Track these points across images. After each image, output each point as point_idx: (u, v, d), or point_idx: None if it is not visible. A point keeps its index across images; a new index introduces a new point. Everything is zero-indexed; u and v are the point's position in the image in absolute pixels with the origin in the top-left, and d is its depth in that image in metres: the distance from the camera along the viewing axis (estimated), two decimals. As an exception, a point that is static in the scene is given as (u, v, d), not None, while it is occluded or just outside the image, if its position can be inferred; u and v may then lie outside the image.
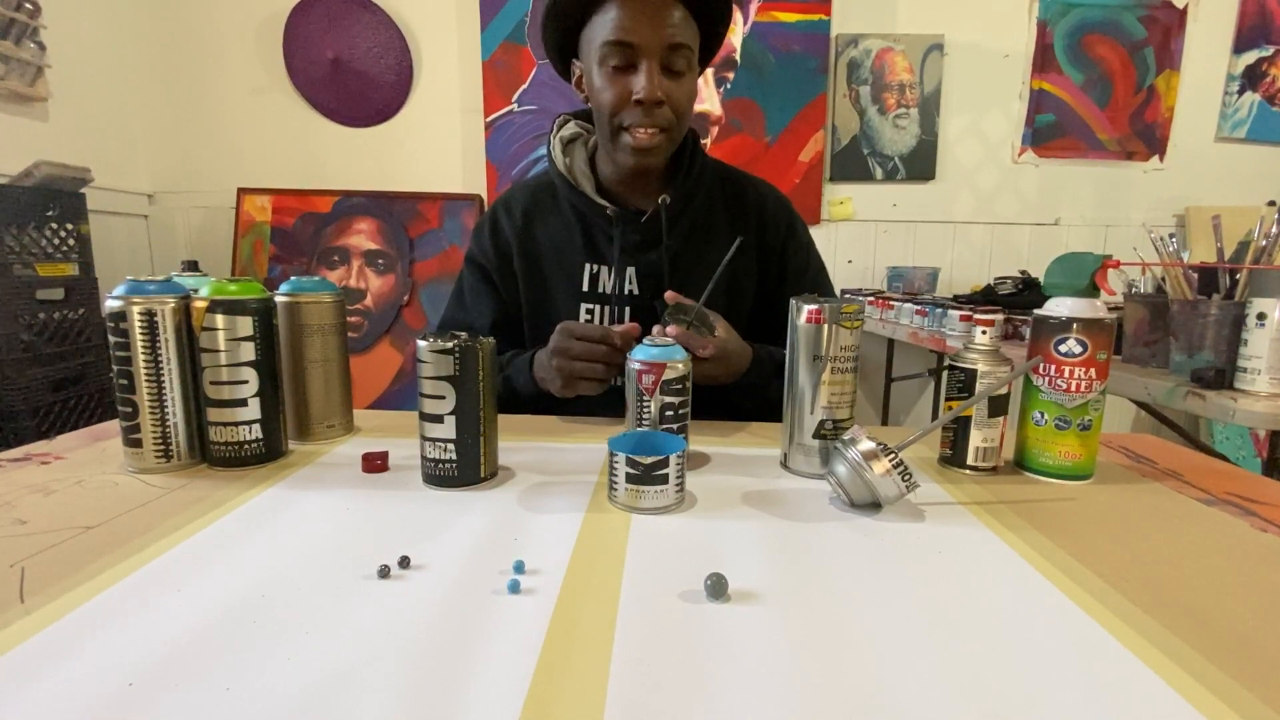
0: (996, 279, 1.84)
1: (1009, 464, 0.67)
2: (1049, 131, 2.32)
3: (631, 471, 0.53)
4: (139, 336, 0.59)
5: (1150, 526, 0.53)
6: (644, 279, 0.90)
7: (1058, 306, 0.62)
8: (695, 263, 0.91)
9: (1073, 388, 0.61)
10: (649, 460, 0.53)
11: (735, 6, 2.21)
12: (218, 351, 0.61)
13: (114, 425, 0.70)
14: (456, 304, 0.99)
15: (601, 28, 0.79)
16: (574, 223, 0.93)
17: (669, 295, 0.77)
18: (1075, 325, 0.60)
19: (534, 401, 0.85)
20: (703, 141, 0.98)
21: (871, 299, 2.06)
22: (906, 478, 0.53)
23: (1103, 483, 0.63)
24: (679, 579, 0.43)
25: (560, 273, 0.92)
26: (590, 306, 0.91)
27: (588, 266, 0.92)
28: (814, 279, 0.97)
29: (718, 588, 0.41)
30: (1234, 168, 2.34)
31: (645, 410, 0.61)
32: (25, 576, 0.42)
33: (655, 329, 0.72)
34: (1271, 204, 2.23)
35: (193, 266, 0.78)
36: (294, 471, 0.63)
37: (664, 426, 0.60)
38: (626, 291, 0.91)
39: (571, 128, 0.95)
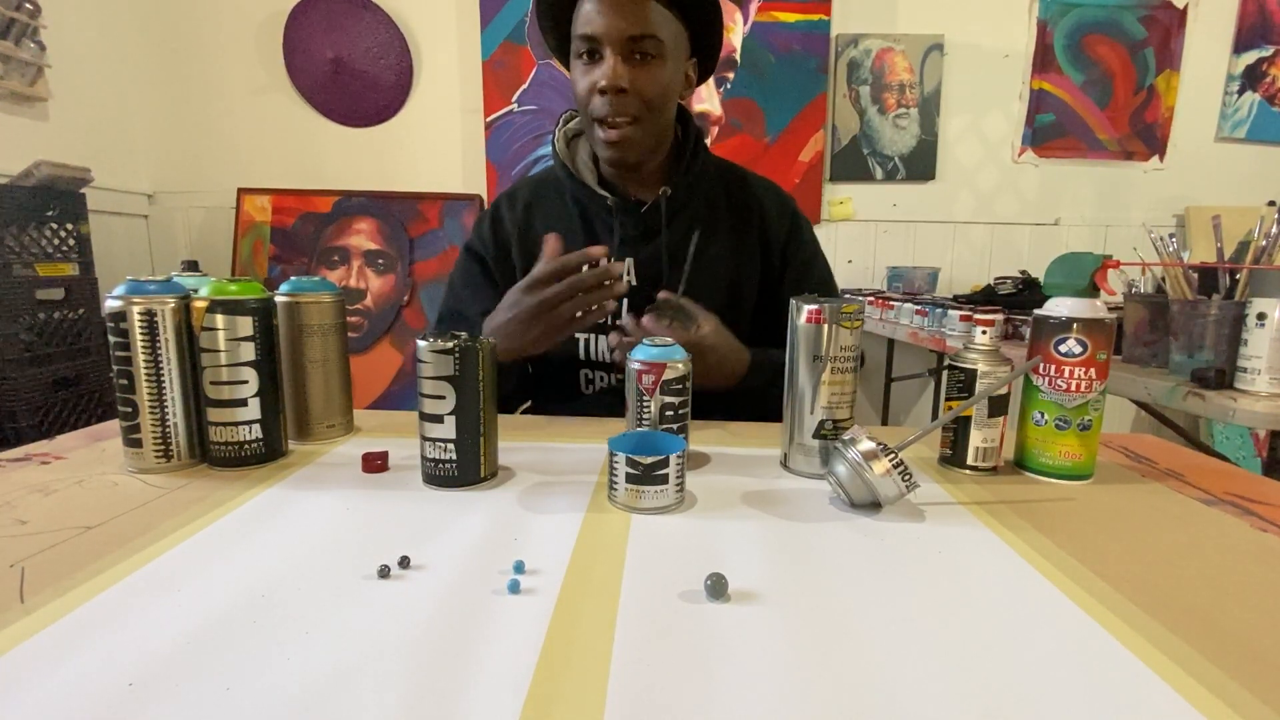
0: (996, 279, 1.84)
1: (1009, 464, 0.67)
2: (1049, 131, 2.32)
3: (631, 471, 0.53)
4: (139, 336, 0.59)
5: (1150, 526, 0.53)
6: (643, 270, 0.91)
7: (1058, 306, 0.62)
8: (695, 257, 0.91)
9: (1073, 388, 0.61)
10: (649, 460, 0.53)
11: (734, 5, 2.21)
12: (218, 351, 0.61)
13: (114, 425, 0.70)
14: (450, 293, 1.00)
15: (575, 23, 0.82)
16: (575, 214, 0.93)
17: (661, 294, 0.78)
18: (1075, 325, 0.60)
19: (518, 378, 0.84)
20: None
21: (871, 299, 2.06)
22: (906, 478, 0.52)
23: (1103, 483, 0.63)
24: (679, 579, 0.43)
25: None
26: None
27: None
28: (818, 279, 0.97)
29: (718, 588, 0.41)
30: (1234, 168, 2.34)
31: (645, 410, 0.61)
32: (25, 576, 0.42)
33: (626, 320, 0.73)
34: (1271, 204, 2.23)
35: (193, 266, 0.78)
36: (294, 471, 0.63)
37: (664, 426, 0.60)
38: (625, 282, 0.91)
39: (576, 122, 0.96)
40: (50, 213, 1.67)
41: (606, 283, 0.72)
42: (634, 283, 0.91)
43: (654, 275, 0.90)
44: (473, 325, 0.87)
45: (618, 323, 0.63)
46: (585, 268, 0.72)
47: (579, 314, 0.73)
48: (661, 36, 0.81)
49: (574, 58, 0.84)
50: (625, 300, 0.91)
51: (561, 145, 0.94)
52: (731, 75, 2.26)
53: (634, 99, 0.82)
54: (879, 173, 2.33)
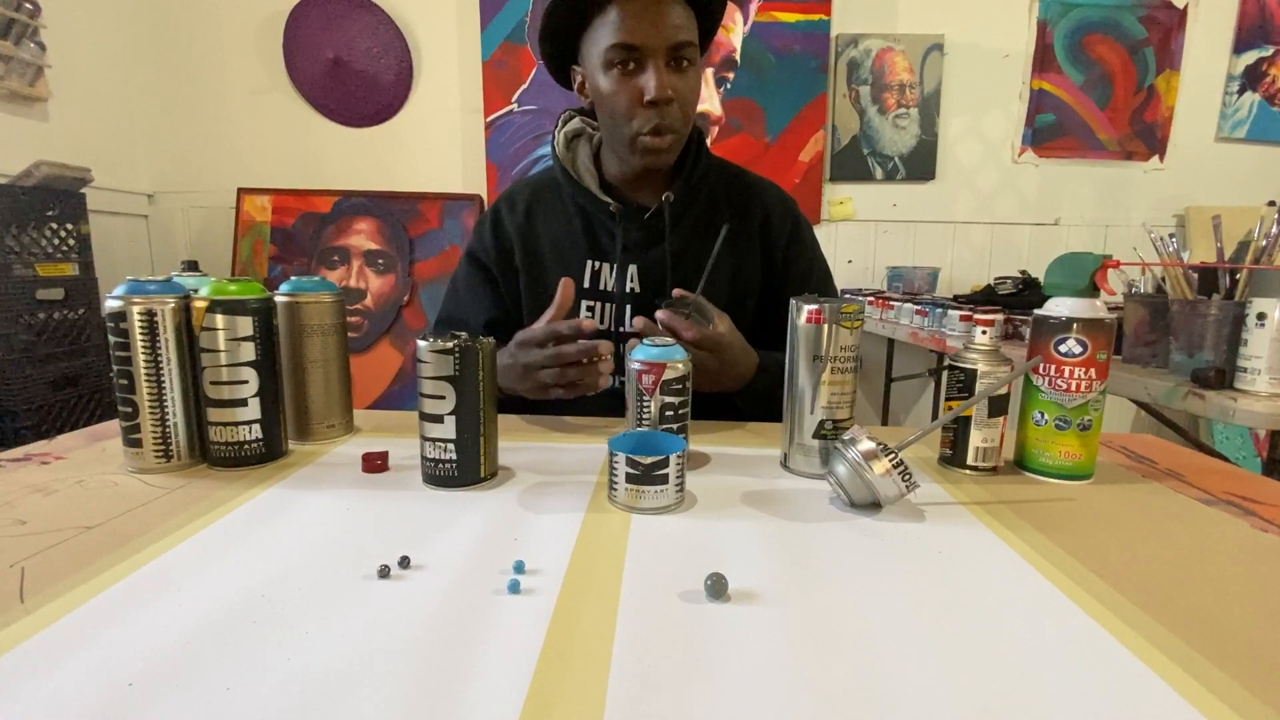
0: (996, 279, 1.85)
1: (1009, 464, 0.67)
2: (1049, 131, 2.32)
3: (631, 471, 0.53)
4: (139, 336, 0.59)
5: (1150, 526, 0.53)
6: (646, 277, 0.90)
7: (1058, 306, 0.62)
8: (698, 261, 0.91)
9: (1073, 388, 0.61)
10: (649, 460, 0.53)
11: (734, 5, 2.21)
12: (218, 351, 0.61)
13: (114, 425, 0.70)
14: (452, 299, 0.99)
15: (603, 31, 0.79)
16: (576, 219, 0.92)
17: (676, 292, 0.77)
18: (1075, 325, 0.60)
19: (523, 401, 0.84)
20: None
21: (871, 299, 2.06)
22: (906, 478, 0.52)
23: (1103, 483, 0.63)
24: (679, 579, 0.43)
25: (561, 269, 0.92)
26: (591, 304, 0.91)
27: (589, 263, 0.91)
28: (818, 281, 0.96)
29: (718, 588, 0.41)
30: (1234, 168, 2.34)
31: (645, 410, 0.61)
32: (25, 576, 0.42)
33: (637, 321, 0.73)
34: (1271, 204, 2.23)
35: (193, 266, 0.79)
36: (294, 471, 0.63)
37: (664, 426, 0.60)
38: (628, 289, 0.91)
39: (576, 123, 0.95)
40: (50, 213, 1.67)
41: (590, 360, 0.72)
42: (637, 290, 0.91)
43: (657, 281, 0.90)
44: (472, 334, 0.86)
45: (635, 321, 0.62)
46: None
47: (560, 384, 0.73)
48: (695, 41, 0.81)
49: (603, 68, 0.81)
50: (629, 307, 0.91)
51: (562, 148, 0.93)
52: (731, 75, 2.26)
53: (678, 108, 0.81)
54: (879, 173, 2.33)
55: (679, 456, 0.54)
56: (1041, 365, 0.62)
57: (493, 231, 0.96)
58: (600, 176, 0.93)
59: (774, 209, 0.95)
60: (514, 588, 0.41)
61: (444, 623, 0.38)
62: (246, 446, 0.63)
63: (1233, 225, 1.07)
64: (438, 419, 0.58)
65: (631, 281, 0.90)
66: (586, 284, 0.91)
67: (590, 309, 0.91)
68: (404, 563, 0.44)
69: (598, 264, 0.91)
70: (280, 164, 2.33)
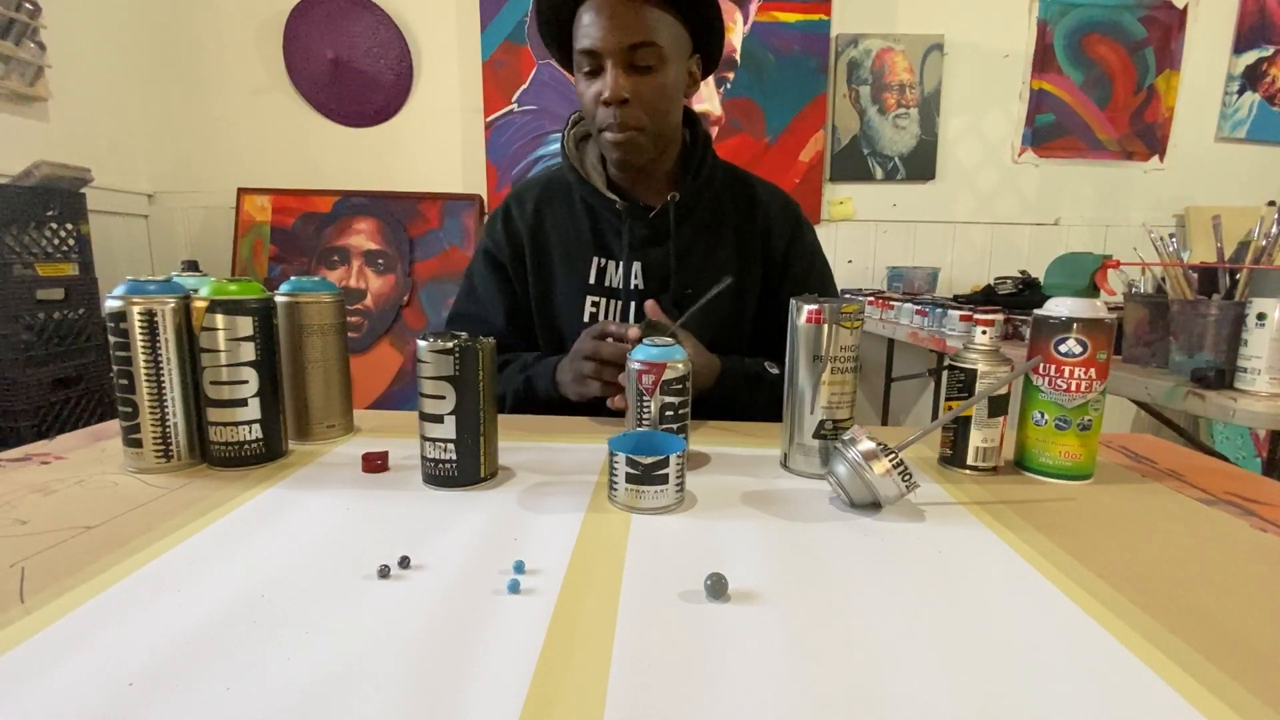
0: (996, 279, 1.85)
1: (1009, 464, 0.67)
2: (1049, 131, 2.32)
3: (631, 471, 0.53)
4: (139, 336, 0.59)
5: (1150, 526, 0.53)
6: (650, 274, 0.91)
7: (1058, 306, 0.62)
8: (702, 260, 0.92)
9: (1073, 388, 0.61)
10: (649, 460, 0.53)
11: (734, 5, 2.21)
12: (218, 351, 0.61)
13: (114, 425, 0.70)
14: (468, 298, 0.99)
15: (575, 37, 0.83)
16: (583, 216, 0.94)
17: (649, 307, 0.80)
18: (1075, 325, 0.60)
19: (550, 404, 0.86)
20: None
21: (871, 299, 2.06)
22: (906, 478, 0.52)
23: (1103, 483, 0.63)
24: (679, 579, 0.43)
25: (567, 265, 0.93)
26: (596, 299, 0.92)
27: (595, 260, 0.93)
28: (817, 283, 0.97)
29: (718, 588, 0.41)
30: (1234, 168, 2.34)
31: (645, 410, 0.61)
32: (25, 576, 0.42)
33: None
34: (1271, 204, 2.23)
35: (193, 266, 0.78)
36: (294, 471, 0.63)
37: (664, 426, 0.60)
38: (633, 286, 0.92)
39: (584, 124, 0.96)
40: (50, 213, 1.67)
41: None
42: (641, 287, 0.91)
43: (662, 278, 0.91)
44: (494, 330, 0.88)
45: (646, 340, 0.67)
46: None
47: (596, 378, 0.77)
48: (660, 42, 0.81)
49: (576, 70, 0.84)
50: (633, 303, 0.92)
51: (571, 147, 0.94)
52: (731, 75, 2.26)
53: (637, 108, 0.82)
54: (879, 173, 2.33)
55: (679, 456, 0.54)
56: (1041, 365, 0.62)
57: (504, 228, 0.97)
58: (607, 176, 0.94)
59: (776, 213, 0.96)
60: (514, 588, 0.41)
61: (444, 623, 0.38)
62: (246, 446, 0.63)
63: (1233, 225, 1.07)
64: (438, 419, 0.58)
65: (636, 278, 0.92)
66: (593, 280, 0.93)
67: (595, 305, 0.92)
68: (404, 563, 0.44)
69: (603, 260, 0.93)
70: (280, 164, 2.33)
